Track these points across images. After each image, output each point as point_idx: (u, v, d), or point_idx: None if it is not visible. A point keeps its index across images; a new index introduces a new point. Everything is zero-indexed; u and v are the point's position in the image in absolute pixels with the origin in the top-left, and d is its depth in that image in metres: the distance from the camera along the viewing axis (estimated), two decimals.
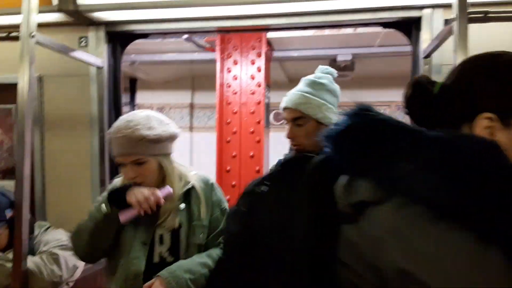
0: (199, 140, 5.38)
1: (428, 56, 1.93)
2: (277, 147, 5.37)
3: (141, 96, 5.55)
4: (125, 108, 5.54)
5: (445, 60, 1.90)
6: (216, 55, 3.54)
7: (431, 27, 1.94)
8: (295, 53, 3.80)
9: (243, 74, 3.60)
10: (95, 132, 2.22)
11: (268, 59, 3.71)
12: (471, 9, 1.46)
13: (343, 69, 4.02)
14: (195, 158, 5.57)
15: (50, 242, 1.93)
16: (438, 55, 1.90)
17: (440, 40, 1.70)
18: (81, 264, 1.94)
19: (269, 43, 3.68)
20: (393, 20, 2.06)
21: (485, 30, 1.67)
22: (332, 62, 3.95)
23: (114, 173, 2.33)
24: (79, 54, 2.03)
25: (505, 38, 1.83)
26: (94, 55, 2.15)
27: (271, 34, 3.51)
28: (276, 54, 3.84)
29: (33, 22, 1.60)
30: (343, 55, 3.74)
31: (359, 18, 2.08)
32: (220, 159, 3.59)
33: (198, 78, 5.13)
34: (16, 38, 1.62)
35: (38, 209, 2.28)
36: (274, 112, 5.57)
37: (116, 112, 2.30)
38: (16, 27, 1.64)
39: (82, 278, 2.03)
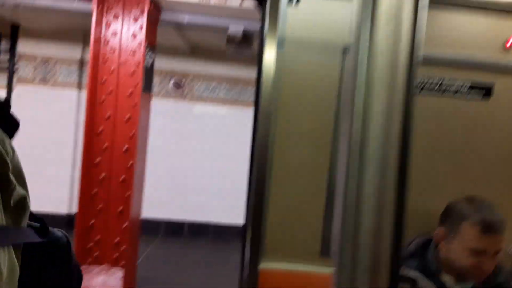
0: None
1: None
2: (166, 114, 5.24)
3: (24, 45, 5.02)
4: (3, 56, 5.02)
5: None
6: (93, 6, 3.25)
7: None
8: (185, 18, 3.62)
9: (124, 30, 3.36)
10: None
11: (154, 19, 3.49)
12: None
13: (240, 42, 3.92)
14: (81, 119, 5.21)
15: None
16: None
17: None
18: None
19: (155, 2, 3.46)
20: None
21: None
22: (228, 34, 3.83)
23: None
24: None
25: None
26: None
27: None
28: (165, 16, 3.63)
29: None
30: (235, 27, 3.63)
31: None
32: (91, 120, 3.35)
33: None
34: None
35: None
36: (174, 79, 5.38)
37: None
38: None
39: None
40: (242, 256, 2.24)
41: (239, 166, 5.43)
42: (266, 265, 1.83)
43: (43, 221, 0.94)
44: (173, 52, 5.14)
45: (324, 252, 2.02)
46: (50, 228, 0.92)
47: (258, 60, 2.03)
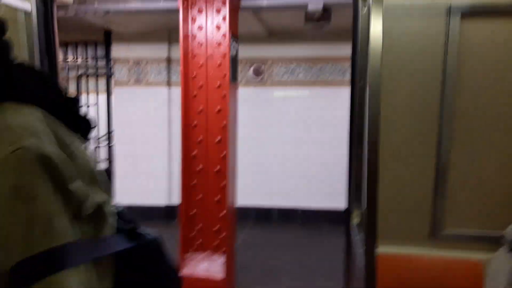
0: (178, 95, 5.27)
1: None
2: (248, 102, 5.29)
3: (117, 50, 5.38)
4: (100, 62, 5.42)
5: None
6: (179, 3, 3.36)
7: None
8: (263, 2, 3.60)
9: (209, 23, 3.43)
10: None
11: (235, 8, 3.52)
12: None
13: (318, 19, 3.82)
14: (173, 114, 5.48)
15: None
16: None
17: None
18: None
19: None
20: None
21: None
22: (307, 12, 3.75)
23: None
24: None
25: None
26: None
27: None
28: (245, 2, 3.64)
29: None
30: (314, 4, 3.53)
31: None
32: (187, 114, 3.50)
33: (175, 30, 4.93)
34: None
35: None
36: (253, 66, 5.41)
37: (49, 61, 2.19)
38: None
39: None
40: (347, 240, 2.20)
41: (324, 149, 5.36)
42: (381, 249, 1.78)
43: (133, 223, 0.89)
44: (250, 38, 5.16)
45: (435, 233, 1.91)
46: (142, 229, 0.89)
47: (354, 32, 1.95)
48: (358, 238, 1.85)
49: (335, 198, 5.13)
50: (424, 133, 1.86)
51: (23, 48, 2.09)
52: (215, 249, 3.60)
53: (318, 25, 3.91)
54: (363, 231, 1.46)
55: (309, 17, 3.84)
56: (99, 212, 0.73)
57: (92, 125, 0.85)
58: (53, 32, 2.19)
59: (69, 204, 0.64)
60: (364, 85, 1.88)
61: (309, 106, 5.39)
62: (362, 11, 1.84)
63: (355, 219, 2.03)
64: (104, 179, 0.78)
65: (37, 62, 2.10)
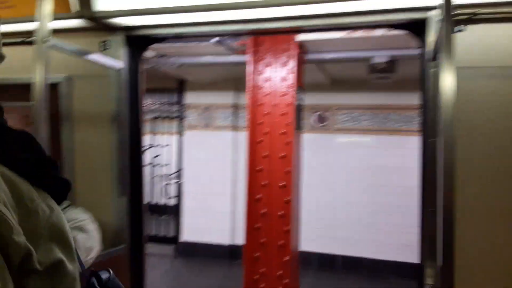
0: (243, 139, 5.51)
1: (434, 59, 1.84)
2: (312, 148, 5.36)
3: (190, 97, 5.80)
4: (173, 107, 5.85)
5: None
6: (248, 58, 3.61)
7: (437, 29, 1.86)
8: (328, 56, 3.76)
9: (275, 75, 3.64)
10: (116, 129, 2.41)
11: (301, 62, 3.70)
12: (459, 11, 1.40)
13: (382, 71, 3.90)
14: (238, 157, 5.70)
15: (69, 223, 2.10)
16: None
17: (436, 43, 1.63)
18: (95, 246, 2.08)
19: (301, 46, 3.68)
20: (402, 22, 1.99)
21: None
22: (371, 64, 3.85)
23: (134, 168, 2.51)
24: (97, 57, 2.20)
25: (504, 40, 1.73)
26: (114, 58, 2.32)
27: (301, 37, 3.51)
28: (310, 56, 3.83)
29: (45, 28, 1.78)
30: (379, 57, 3.63)
31: (368, 20, 2.04)
32: (252, 158, 3.66)
33: (241, 80, 5.26)
34: (31, 43, 1.81)
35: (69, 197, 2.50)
36: (318, 114, 5.54)
37: (136, 111, 2.47)
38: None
39: (98, 263, 2.20)
40: None
41: (389, 197, 5.22)
42: None
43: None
44: (314, 87, 5.32)
45: None
46: None
47: (422, 86, 2.00)
48: None
49: (404, 250, 4.90)
50: (502, 191, 1.83)
51: (112, 100, 2.39)
52: None
53: (383, 76, 3.99)
54: None
55: (373, 69, 3.93)
56: (57, 268, 0.73)
57: (69, 187, 0.87)
58: (140, 84, 2.48)
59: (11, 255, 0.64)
60: (435, 140, 1.91)
61: (374, 153, 5.36)
62: (431, 68, 1.90)
63: (429, 279, 1.96)
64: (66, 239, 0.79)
65: (125, 111, 2.39)
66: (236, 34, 2.37)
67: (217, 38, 3.38)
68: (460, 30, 1.72)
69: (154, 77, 5.34)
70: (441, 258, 1.43)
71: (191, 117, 5.83)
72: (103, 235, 2.22)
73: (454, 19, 1.37)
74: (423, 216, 2.04)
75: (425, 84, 1.97)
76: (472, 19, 1.44)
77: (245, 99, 5.52)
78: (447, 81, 1.38)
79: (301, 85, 3.72)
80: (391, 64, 3.80)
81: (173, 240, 5.96)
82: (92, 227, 2.04)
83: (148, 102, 6.03)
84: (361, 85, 5.28)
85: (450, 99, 1.36)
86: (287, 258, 3.52)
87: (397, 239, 5.10)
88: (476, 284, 1.82)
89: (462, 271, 1.65)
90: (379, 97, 5.30)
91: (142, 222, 2.59)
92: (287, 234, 3.54)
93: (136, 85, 2.47)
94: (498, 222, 1.82)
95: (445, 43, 1.37)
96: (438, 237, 1.46)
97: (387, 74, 3.92)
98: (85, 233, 1.98)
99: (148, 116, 6.04)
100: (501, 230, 1.82)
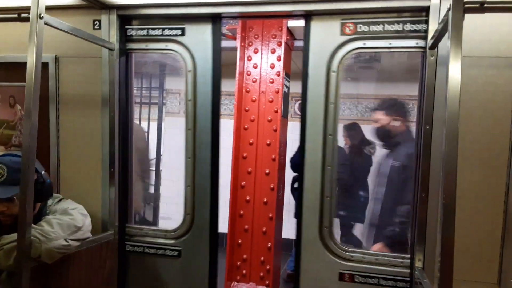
0: (224, 126, 5.46)
1: (433, 47, 1.87)
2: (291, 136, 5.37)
3: (171, 82, 5.69)
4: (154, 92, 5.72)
5: None
6: (237, 43, 3.56)
7: (438, 17, 1.89)
8: None
9: (264, 62, 3.61)
10: (106, 112, 2.33)
11: (289, 49, 3.69)
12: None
13: (369, 60, 3.95)
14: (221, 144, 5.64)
15: (57, 211, 2.07)
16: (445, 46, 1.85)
17: (441, 31, 1.65)
18: (85, 225, 2.05)
19: (291, 32, 3.66)
20: (404, 9, 2.01)
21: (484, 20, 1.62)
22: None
23: (123, 151, 2.44)
24: (90, 36, 2.12)
25: (504, 30, 1.78)
26: (106, 37, 2.24)
27: (291, 23, 3.49)
28: (299, 43, 3.81)
29: (42, 3, 1.69)
30: None
31: (369, 7, 2.05)
32: (237, 145, 3.63)
33: (227, 66, 5.19)
34: (26, 19, 1.71)
35: (53, 182, 2.42)
36: (298, 102, 5.55)
37: (126, 94, 2.40)
38: (27, 9, 1.73)
39: (87, 250, 2.15)
40: (410, 284, 2.18)
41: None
42: None
43: None
44: (296, 76, 5.32)
45: (502, 283, 1.89)
46: None
47: (421, 74, 2.02)
48: (426, 283, 1.84)
49: None
50: (493, 180, 1.89)
51: (105, 81, 2.31)
52: (260, 281, 3.63)
53: (368, 65, 4.04)
54: (437, 276, 1.46)
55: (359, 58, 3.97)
56: None
57: None
58: (130, 67, 2.41)
59: None
60: (431, 129, 1.95)
61: None
62: (429, 59, 1.94)
63: (419, 262, 2.03)
64: None
65: (116, 94, 2.32)
66: (229, 17, 2.31)
67: None
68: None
69: None
70: (439, 249, 1.44)
71: (172, 103, 5.72)
72: (92, 221, 2.19)
73: (465, 7, 1.38)
74: (415, 200, 2.09)
75: (423, 72, 2.01)
76: (479, 8, 1.46)
77: (229, 86, 5.48)
78: (454, 71, 1.39)
79: (289, 72, 3.71)
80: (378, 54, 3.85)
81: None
82: (75, 212, 2.04)
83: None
84: (346, 74, 5.31)
85: (456, 89, 1.38)
86: (270, 244, 3.54)
87: None
88: (461, 269, 1.89)
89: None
90: (361, 86, 5.37)
91: (131, 208, 2.54)
92: (270, 221, 3.56)
93: (127, 66, 2.40)
94: (485, 214, 1.90)
95: (454, 32, 1.38)
96: (438, 225, 1.48)
97: (374, 63, 3.97)
98: (69, 216, 1.98)
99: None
100: (486, 220, 1.90)
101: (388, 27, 2.09)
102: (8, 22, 1.82)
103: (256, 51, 3.60)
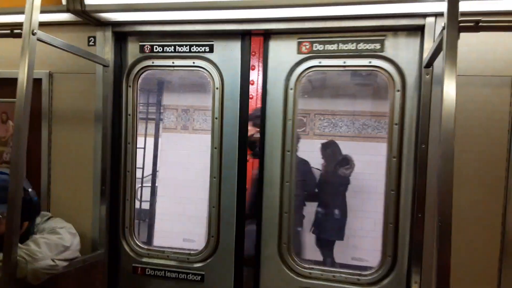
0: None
1: (428, 65, 1.86)
2: None
3: (168, 98, 5.70)
4: (151, 108, 5.71)
5: None
6: None
7: (434, 36, 1.88)
8: None
9: (260, 79, 3.60)
10: (99, 129, 2.30)
11: None
12: (462, 18, 1.40)
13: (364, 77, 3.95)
14: None
15: (45, 230, 2.02)
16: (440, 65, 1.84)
17: (436, 49, 1.64)
18: (73, 244, 2.00)
19: None
20: (401, 28, 2.01)
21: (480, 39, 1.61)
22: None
23: (114, 169, 2.41)
24: (84, 52, 2.11)
25: (499, 49, 1.78)
26: (101, 54, 2.23)
27: None
28: None
29: (34, 19, 1.68)
30: None
31: (364, 25, 2.04)
32: None
33: None
34: (19, 35, 1.70)
35: (43, 199, 2.38)
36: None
37: (120, 110, 2.38)
38: (21, 25, 1.72)
39: (75, 270, 2.10)
40: None
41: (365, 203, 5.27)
42: None
43: None
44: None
45: None
46: None
47: (417, 92, 2.01)
48: None
49: None
50: (490, 200, 1.87)
51: (98, 97, 2.29)
52: None
53: (364, 82, 4.04)
54: None
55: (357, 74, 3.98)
56: None
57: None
58: (123, 84, 2.39)
59: None
60: (426, 148, 1.92)
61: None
62: (424, 78, 1.92)
63: (414, 285, 1.98)
64: None
65: (109, 110, 2.32)
66: (228, 34, 2.31)
67: None
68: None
69: None
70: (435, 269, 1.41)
71: (169, 118, 5.72)
72: (82, 241, 2.14)
73: (460, 26, 1.37)
74: (412, 220, 2.05)
75: (420, 90, 1.99)
76: (474, 27, 1.45)
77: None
78: (449, 89, 1.37)
79: None
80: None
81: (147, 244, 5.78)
82: (64, 231, 2.00)
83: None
84: (342, 91, 5.32)
85: (451, 107, 1.36)
86: None
87: None
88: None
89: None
90: (359, 103, 5.36)
91: (120, 227, 2.49)
92: None
93: (121, 82, 2.38)
94: (484, 235, 1.87)
95: (449, 50, 1.37)
96: (435, 244, 1.45)
97: (369, 80, 3.97)
98: (57, 235, 1.94)
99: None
100: (486, 234, 1.87)
101: (342, 46, 2.13)
102: (1, 38, 1.81)
103: (253, 68, 3.60)
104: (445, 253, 1.37)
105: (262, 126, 2.28)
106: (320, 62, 2.20)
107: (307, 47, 2.20)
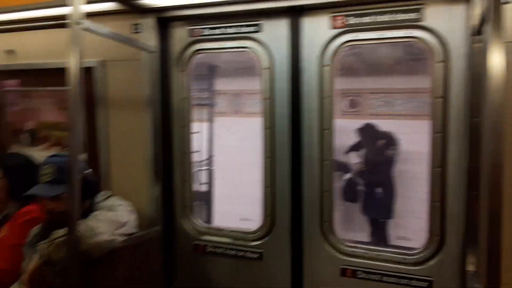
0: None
1: (476, 34, 1.73)
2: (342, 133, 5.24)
3: (220, 83, 5.80)
4: (204, 94, 5.86)
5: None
6: None
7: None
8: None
9: None
10: (149, 113, 2.42)
11: None
12: None
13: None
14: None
15: (105, 208, 2.17)
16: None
17: (484, 15, 1.52)
18: (130, 220, 2.14)
19: None
20: None
21: None
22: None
23: (167, 151, 2.52)
24: (129, 40, 2.21)
25: None
26: (146, 41, 2.32)
27: None
28: None
29: (79, 10, 1.78)
30: None
31: None
32: None
33: None
34: (65, 26, 1.81)
35: (104, 180, 2.56)
36: (350, 98, 5.43)
37: (165, 94, 2.48)
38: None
39: (132, 245, 2.23)
40: None
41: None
42: None
43: None
44: (346, 70, 5.19)
45: None
46: None
47: (467, 63, 1.87)
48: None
49: None
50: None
51: (145, 84, 2.40)
52: None
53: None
54: (483, 281, 1.34)
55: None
56: None
57: None
58: (170, 69, 2.48)
59: None
60: (480, 121, 1.80)
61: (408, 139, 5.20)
62: (475, 43, 1.79)
63: (471, 265, 1.88)
64: None
65: (158, 96, 2.41)
66: (277, 12, 2.26)
67: None
68: (507, 2, 1.60)
69: None
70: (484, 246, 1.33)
71: (221, 103, 5.83)
72: (139, 219, 2.27)
73: None
74: (466, 199, 1.94)
75: (467, 60, 1.87)
76: None
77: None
78: (495, 58, 1.26)
79: None
80: None
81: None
82: (121, 208, 2.13)
83: None
84: (396, 67, 5.11)
85: (499, 78, 1.25)
86: None
87: None
88: None
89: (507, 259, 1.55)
90: (414, 80, 5.12)
91: (180, 206, 2.61)
92: None
93: (168, 67, 2.47)
94: None
95: (493, 15, 1.27)
96: (482, 226, 1.36)
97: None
98: (115, 212, 2.08)
99: None
100: None
101: (378, 18, 2.03)
102: (53, 29, 1.94)
103: None
104: (496, 233, 1.30)
105: (298, 104, 2.26)
106: (356, 36, 2.12)
107: (342, 21, 2.13)
